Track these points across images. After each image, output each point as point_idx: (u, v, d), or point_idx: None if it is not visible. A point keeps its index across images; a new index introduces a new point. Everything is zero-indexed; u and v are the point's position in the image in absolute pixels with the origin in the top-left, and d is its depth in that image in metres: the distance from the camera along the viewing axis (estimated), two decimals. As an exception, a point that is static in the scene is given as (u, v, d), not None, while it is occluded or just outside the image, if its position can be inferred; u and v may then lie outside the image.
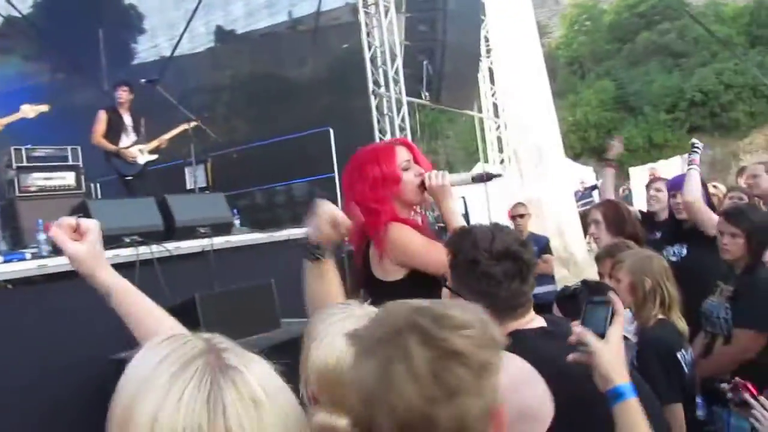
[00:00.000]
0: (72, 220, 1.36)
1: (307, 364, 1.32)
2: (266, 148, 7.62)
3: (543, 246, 6.06)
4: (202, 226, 4.94)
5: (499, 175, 2.52)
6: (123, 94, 6.63)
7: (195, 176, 6.61)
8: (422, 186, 2.42)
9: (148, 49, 9.79)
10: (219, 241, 4.96)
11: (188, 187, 6.92)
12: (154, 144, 6.72)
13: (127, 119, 6.66)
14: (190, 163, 6.62)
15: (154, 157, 6.73)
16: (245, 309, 4.06)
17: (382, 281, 2.37)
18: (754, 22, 35.23)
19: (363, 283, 2.47)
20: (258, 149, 7.76)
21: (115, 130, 6.55)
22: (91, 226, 1.36)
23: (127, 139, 6.62)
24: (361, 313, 1.38)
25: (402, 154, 2.45)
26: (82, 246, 1.34)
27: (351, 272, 2.68)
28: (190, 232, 4.86)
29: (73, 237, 1.36)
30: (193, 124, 6.80)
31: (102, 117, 6.54)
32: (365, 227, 2.39)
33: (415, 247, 2.31)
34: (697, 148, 3.85)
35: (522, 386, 1.47)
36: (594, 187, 16.42)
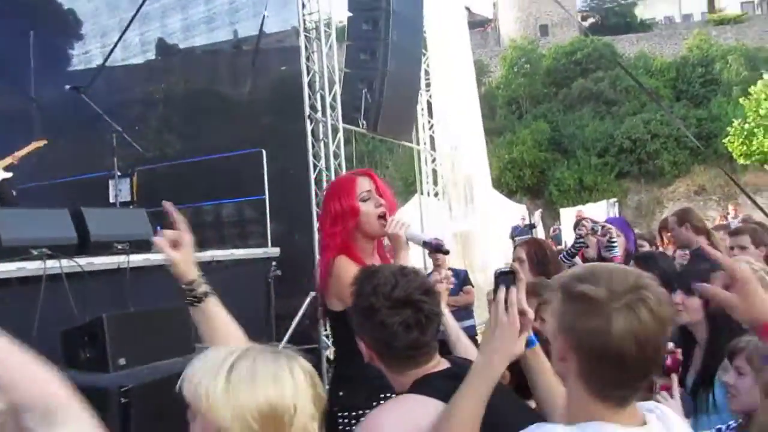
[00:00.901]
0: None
1: (226, 417, 1.17)
2: (196, 165, 7.41)
3: (462, 278, 6.09)
4: (119, 242, 4.72)
5: (447, 252, 2.54)
6: None
7: (118, 189, 6.35)
8: (382, 218, 2.46)
9: (79, 55, 9.46)
10: (137, 259, 4.75)
11: (111, 200, 6.64)
12: (7, 161, 6.35)
13: None
14: (114, 175, 6.36)
15: (9, 174, 6.37)
16: (158, 332, 3.87)
17: (330, 310, 2.48)
18: (679, 77, 37.27)
19: (323, 313, 2.59)
20: (188, 166, 7.54)
21: None
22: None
23: None
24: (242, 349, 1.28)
25: (363, 185, 2.51)
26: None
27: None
28: (105, 248, 4.64)
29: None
30: (42, 142, 6.57)
31: None
32: (323, 261, 2.51)
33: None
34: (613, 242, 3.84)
35: None
36: (533, 226, 16.87)
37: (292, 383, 1.22)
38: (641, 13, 49.90)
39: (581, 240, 4.16)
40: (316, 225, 6.71)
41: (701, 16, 49.61)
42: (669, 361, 2.21)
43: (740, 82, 33.61)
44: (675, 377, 2.08)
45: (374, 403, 2.26)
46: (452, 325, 2.67)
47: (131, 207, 6.49)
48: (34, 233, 4.25)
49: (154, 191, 7.10)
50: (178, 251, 1.65)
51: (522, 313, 1.52)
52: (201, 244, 6.61)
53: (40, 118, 9.11)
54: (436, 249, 2.43)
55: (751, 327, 1.26)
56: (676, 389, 2.03)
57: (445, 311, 2.70)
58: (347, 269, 2.35)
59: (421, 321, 1.59)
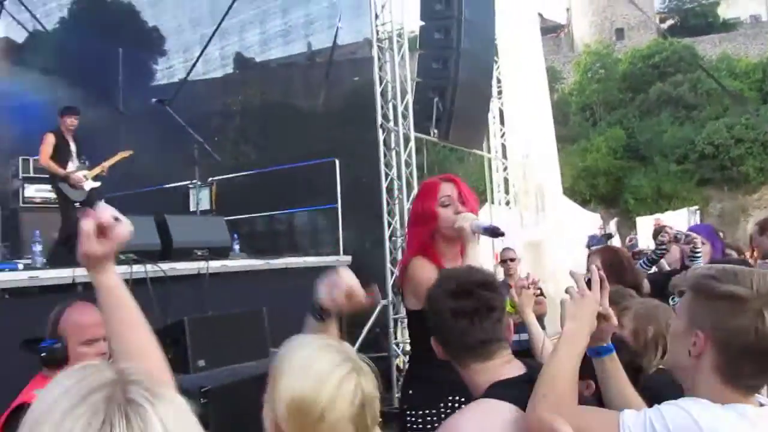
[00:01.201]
0: (110, 219, 1.29)
1: (275, 395, 1.28)
2: (271, 175, 7.64)
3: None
4: (199, 249, 4.93)
5: (503, 234, 2.57)
6: (74, 122, 6.53)
7: (198, 198, 6.61)
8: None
9: (163, 70, 9.92)
10: (215, 265, 4.94)
11: (191, 209, 6.92)
12: (96, 170, 6.63)
13: (73, 145, 6.55)
14: (195, 185, 6.63)
15: (98, 184, 6.67)
16: (235, 335, 4.01)
17: (408, 309, 2.58)
18: (766, 78, 35.47)
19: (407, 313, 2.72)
20: (263, 176, 7.78)
21: (62, 154, 6.35)
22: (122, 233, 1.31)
23: (72, 165, 6.48)
24: (329, 345, 1.36)
25: (445, 190, 2.58)
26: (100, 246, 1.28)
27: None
28: (186, 254, 4.85)
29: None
30: (128, 153, 6.83)
31: (50, 139, 6.33)
32: (403, 262, 2.67)
33: (424, 281, 2.33)
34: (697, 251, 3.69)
35: None
36: (610, 236, 16.46)
37: (334, 391, 1.24)
38: (724, 12, 47.78)
39: (663, 247, 4.04)
40: (387, 233, 6.78)
41: (790, 14, 47.14)
42: None
43: (833, 83, 31.69)
44: None
45: (441, 405, 2.31)
46: (537, 333, 2.68)
47: (211, 215, 6.73)
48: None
49: (232, 200, 7.37)
50: (344, 301, 1.78)
51: (606, 318, 1.61)
52: (275, 252, 6.80)
53: (126, 130, 9.60)
54: (492, 233, 2.50)
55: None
56: None
57: (531, 319, 2.72)
58: (423, 268, 2.45)
59: (478, 310, 1.62)
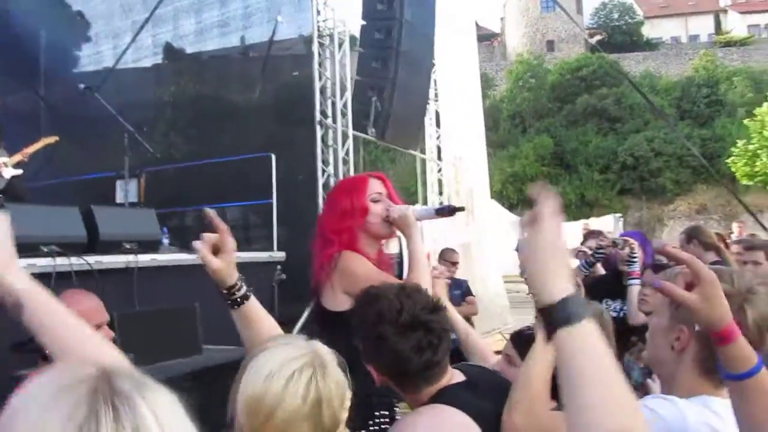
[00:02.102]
0: None
1: (235, 397, 1.24)
2: (204, 168, 7.42)
3: (465, 289, 6.07)
4: (128, 242, 4.71)
5: (462, 208, 2.50)
6: None
7: (126, 190, 6.33)
8: (388, 220, 2.40)
9: (90, 55, 9.49)
10: (144, 259, 4.74)
11: (118, 200, 6.64)
12: (17, 157, 6.28)
13: None
14: (123, 176, 6.35)
15: (19, 171, 6.32)
16: (166, 332, 3.87)
17: (330, 311, 2.32)
18: (684, 96, 37.41)
19: (316, 316, 2.45)
20: (195, 168, 7.55)
21: None
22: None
23: None
24: (290, 341, 1.32)
25: (374, 187, 2.46)
26: None
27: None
28: (114, 247, 4.63)
29: None
30: (53, 139, 6.52)
31: None
32: (320, 257, 2.37)
33: (362, 275, 2.22)
34: (635, 257, 3.78)
35: None
36: None
37: (281, 389, 1.20)
38: (648, 32, 50.15)
39: (602, 251, 4.15)
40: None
41: (708, 37, 49.88)
42: None
43: (745, 103, 33.76)
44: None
45: (369, 423, 2.18)
46: (460, 323, 2.62)
47: (139, 207, 6.48)
48: (44, 230, 4.24)
49: (161, 193, 7.12)
50: (219, 256, 1.60)
51: None
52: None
53: (49, 117, 9.13)
54: (450, 211, 2.42)
55: (708, 331, 1.29)
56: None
57: (449, 306, 2.64)
58: (356, 261, 2.29)
59: (432, 342, 1.56)
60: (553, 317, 0.95)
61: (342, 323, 2.14)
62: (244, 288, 1.62)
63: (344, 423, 1.26)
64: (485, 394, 1.59)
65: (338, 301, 2.28)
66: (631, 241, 3.88)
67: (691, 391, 1.42)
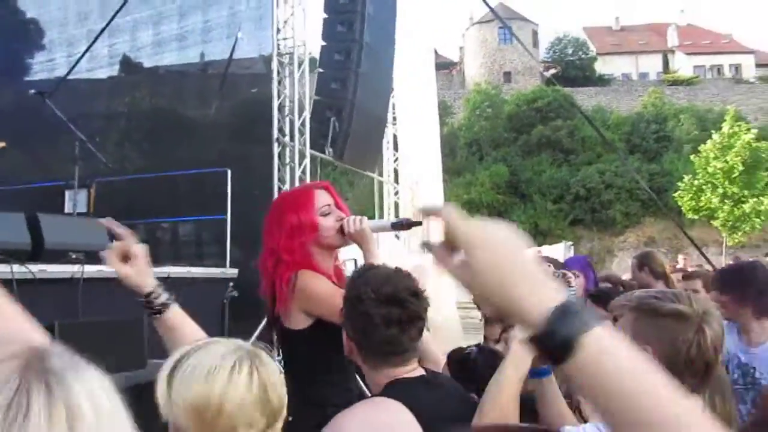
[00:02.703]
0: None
1: (171, 407, 1.22)
2: (157, 181, 7.29)
3: None
4: (74, 251, 4.58)
5: (419, 223, 2.42)
6: None
7: (75, 200, 6.17)
8: (341, 231, 2.35)
9: (42, 63, 9.28)
10: (91, 269, 4.61)
11: (66, 210, 6.46)
12: None
13: None
14: (72, 185, 6.20)
15: None
16: (111, 343, 3.76)
17: (290, 330, 2.28)
18: (634, 131, 38.64)
19: (277, 333, 2.40)
20: (148, 181, 7.42)
21: None
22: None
23: None
24: (213, 341, 1.32)
25: (322, 198, 2.39)
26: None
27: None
28: (59, 256, 4.49)
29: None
30: (1, 144, 6.39)
31: None
32: (273, 277, 2.30)
33: (321, 294, 2.19)
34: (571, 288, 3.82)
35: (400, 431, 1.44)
36: None
37: (225, 383, 1.21)
38: (600, 68, 51.81)
39: None
40: (276, 248, 6.64)
41: (657, 75, 51.82)
42: None
43: (691, 140, 35.04)
44: None
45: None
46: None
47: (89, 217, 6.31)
48: (-15, 236, 4.10)
49: (112, 204, 6.95)
50: (130, 264, 1.60)
51: None
52: (156, 260, 6.47)
53: (-2, 122, 8.88)
54: (408, 225, 2.41)
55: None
56: None
57: None
58: (314, 279, 2.26)
59: (402, 319, 1.61)
60: (550, 340, 0.72)
61: (302, 340, 2.21)
62: (164, 296, 1.61)
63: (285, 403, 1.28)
64: (442, 393, 1.60)
65: (298, 319, 2.26)
66: (566, 272, 3.93)
67: None
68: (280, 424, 1.26)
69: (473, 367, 2.13)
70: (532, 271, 0.78)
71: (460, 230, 0.85)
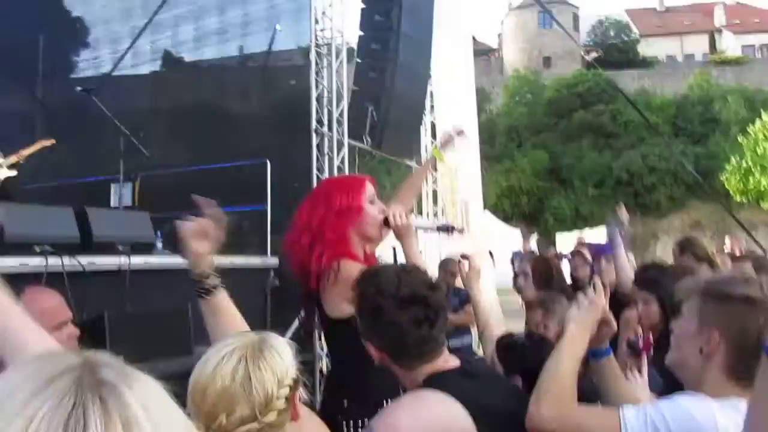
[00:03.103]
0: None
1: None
2: (199, 174, 7.40)
3: (464, 298, 6.06)
4: (121, 244, 4.72)
5: (462, 230, 2.55)
6: None
7: (121, 194, 6.34)
8: (385, 223, 2.40)
9: (88, 60, 9.51)
10: (137, 261, 4.73)
11: (112, 204, 6.64)
12: (13, 159, 6.27)
13: None
14: (118, 179, 6.36)
15: (14, 173, 6.31)
16: (157, 332, 3.87)
17: (332, 318, 2.33)
18: (679, 114, 37.63)
19: (315, 315, 2.46)
20: (190, 174, 7.54)
21: None
22: None
23: None
24: (248, 341, 1.37)
25: (370, 189, 2.47)
26: None
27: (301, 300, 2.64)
28: (107, 248, 4.63)
29: None
30: (49, 142, 6.53)
31: None
32: (309, 255, 2.34)
33: None
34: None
35: (453, 424, 1.46)
36: (532, 253, 16.98)
37: (211, 370, 1.31)
38: (644, 50, 50.50)
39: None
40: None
41: (703, 56, 50.26)
42: (641, 343, 2.27)
43: (739, 121, 33.96)
44: (645, 356, 2.18)
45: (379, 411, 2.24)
46: (483, 306, 2.65)
47: (134, 210, 6.48)
48: (38, 230, 4.25)
49: (156, 197, 7.11)
50: (201, 242, 1.67)
51: (606, 323, 1.73)
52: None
53: (45, 120, 9.14)
54: (449, 230, 2.58)
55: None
56: (645, 368, 2.12)
57: (478, 293, 2.61)
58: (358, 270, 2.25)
59: (429, 316, 1.60)
60: None
61: (347, 329, 2.19)
62: (216, 280, 1.68)
63: (283, 399, 1.32)
64: (481, 382, 1.60)
65: (341, 308, 2.28)
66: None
67: (720, 394, 1.46)
68: (269, 417, 1.30)
69: (521, 354, 2.13)
70: None
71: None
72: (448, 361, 1.67)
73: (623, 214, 3.61)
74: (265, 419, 1.29)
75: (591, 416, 1.56)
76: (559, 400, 1.54)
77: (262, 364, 1.32)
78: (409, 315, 1.58)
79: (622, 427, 1.46)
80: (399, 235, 2.39)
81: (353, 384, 2.35)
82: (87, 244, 4.58)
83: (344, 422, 2.27)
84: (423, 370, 1.63)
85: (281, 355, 1.37)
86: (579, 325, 1.68)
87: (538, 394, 1.56)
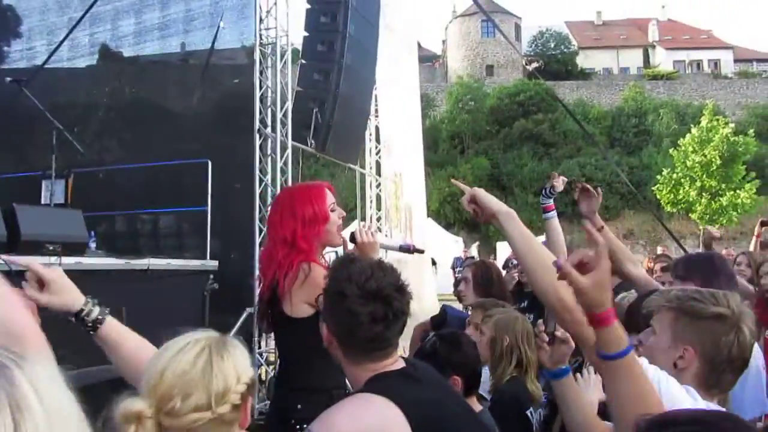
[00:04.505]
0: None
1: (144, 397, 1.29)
2: (136, 172, 7.20)
3: None
4: (51, 243, 4.52)
5: (422, 251, 2.67)
6: None
7: (52, 191, 6.08)
8: (351, 239, 2.47)
9: (21, 51, 9.10)
10: (69, 261, 4.55)
11: (43, 201, 6.36)
12: None
13: None
14: (49, 176, 6.10)
15: None
16: (88, 336, 3.70)
17: (290, 317, 2.38)
18: (614, 125, 38.93)
19: (269, 318, 2.53)
20: (127, 172, 7.32)
21: None
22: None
23: None
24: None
25: (330, 197, 2.57)
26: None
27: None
28: (36, 248, 4.43)
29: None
30: None
31: None
32: (281, 263, 2.41)
33: None
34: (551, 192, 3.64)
35: (391, 429, 1.44)
36: (472, 258, 17.25)
37: (171, 356, 1.32)
38: (582, 62, 52.08)
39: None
40: (258, 240, 6.61)
41: (637, 70, 52.21)
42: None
43: (670, 134, 35.38)
44: None
45: None
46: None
47: (67, 208, 6.22)
48: (-41, 227, 4.03)
49: (90, 195, 6.86)
50: (48, 290, 1.57)
51: (564, 341, 1.83)
52: (136, 252, 6.41)
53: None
54: (413, 250, 2.60)
55: (588, 313, 1.32)
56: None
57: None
58: (323, 276, 2.32)
59: (388, 316, 1.59)
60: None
61: (303, 328, 2.29)
62: (97, 310, 1.59)
63: (239, 395, 1.32)
64: (424, 387, 1.60)
65: (301, 308, 2.36)
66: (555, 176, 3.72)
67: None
68: (223, 409, 1.29)
69: (436, 359, 2.17)
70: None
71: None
72: (395, 363, 1.66)
73: (558, 181, 3.59)
74: (219, 410, 1.28)
75: None
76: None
77: (225, 355, 1.32)
78: (369, 309, 1.57)
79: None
80: (363, 252, 2.42)
81: (304, 387, 2.37)
82: (14, 242, 4.37)
83: (296, 425, 2.27)
84: (368, 367, 1.62)
85: (243, 354, 1.37)
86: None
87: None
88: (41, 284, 1.56)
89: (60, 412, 0.68)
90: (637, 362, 1.33)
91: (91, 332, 1.59)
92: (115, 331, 1.60)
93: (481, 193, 1.73)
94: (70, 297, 1.58)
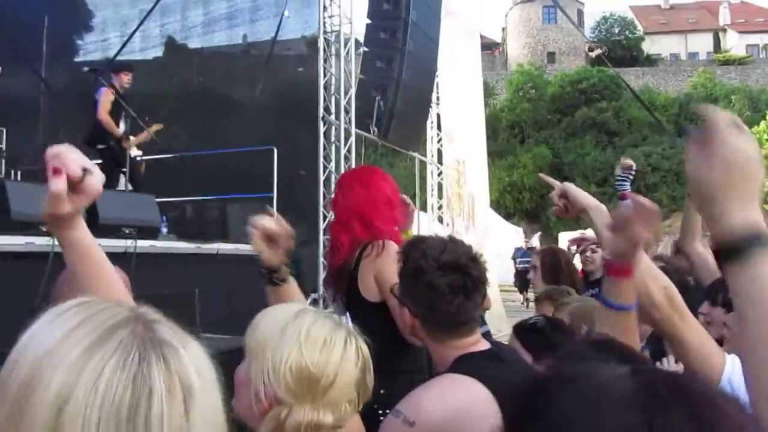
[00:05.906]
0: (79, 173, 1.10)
1: (270, 367, 1.21)
2: (205, 159, 7.38)
3: None
4: (127, 226, 4.68)
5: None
6: (129, 80, 6.21)
7: (127, 177, 6.30)
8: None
9: (95, 42, 9.45)
10: (143, 245, 4.71)
11: (119, 187, 6.60)
12: (142, 137, 6.32)
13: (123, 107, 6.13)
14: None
15: (140, 152, 6.36)
16: (163, 317, 3.83)
17: (366, 301, 2.36)
18: (682, 113, 37.56)
19: (345, 297, 2.49)
20: (196, 159, 7.51)
21: (116, 114, 6.06)
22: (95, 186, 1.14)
23: (123, 125, 6.12)
24: (313, 311, 1.32)
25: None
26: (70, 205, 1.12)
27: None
28: (113, 231, 4.60)
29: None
30: (158, 126, 6.59)
31: (109, 95, 5.95)
32: (365, 237, 2.40)
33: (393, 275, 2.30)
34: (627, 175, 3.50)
35: (478, 410, 1.42)
36: (534, 249, 17.04)
37: (340, 355, 1.23)
38: (648, 48, 50.37)
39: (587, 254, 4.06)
40: (322, 226, 6.68)
41: (707, 55, 50.14)
42: None
43: (743, 122, 33.85)
44: None
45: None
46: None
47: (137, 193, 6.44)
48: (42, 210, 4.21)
49: (161, 182, 7.08)
50: (270, 245, 1.71)
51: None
52: (204, 237, 6.57)
53: (49, 100, 9.08)
54: None
55: (614, 262, 1.33)
56: None
57: None
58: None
59: (467, 285, 1.58)
60: (733, 246, 0.86)
61: (379, 311, 2.26)
62: (285, 273, 1.76)
63: None
64: (510, 368, 1.57)
65: (374, 286, 2.35)
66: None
67: None
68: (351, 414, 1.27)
69: (539, 336, 2.10)
70: (753, 193, 0.92)
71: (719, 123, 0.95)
72: (479, 343, 1.64)
73: (627, 162, 3.44)
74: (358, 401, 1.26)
75: None
76: None
77: (367, 351, 1.29)
78: (448, 280, 1.57)
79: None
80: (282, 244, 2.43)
81: (385, 371, 2.35)
82: (93, 225, 4.54)
83: (378, 410, 2.25)
84: (453, 345, 1.60)
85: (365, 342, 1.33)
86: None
87: None
88: (269, 237, 1.70)
89: (213, 387, 0.69)
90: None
91: (269, 284, 1.77)
92: (289, 291, 1.78)
93: (573, 188, 1.66)
94: (279, 257, 1.75)
